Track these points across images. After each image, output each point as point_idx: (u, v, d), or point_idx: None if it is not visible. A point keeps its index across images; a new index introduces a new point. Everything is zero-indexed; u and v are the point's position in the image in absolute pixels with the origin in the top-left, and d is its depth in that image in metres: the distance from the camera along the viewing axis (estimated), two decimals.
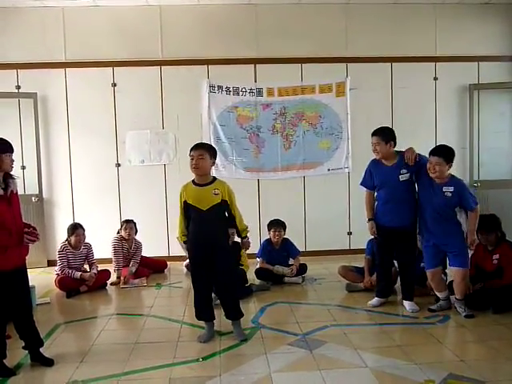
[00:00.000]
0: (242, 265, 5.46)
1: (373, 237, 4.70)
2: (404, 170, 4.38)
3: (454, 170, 6.77)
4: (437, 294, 4.52)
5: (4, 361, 3.45)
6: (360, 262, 5.42)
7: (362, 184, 4.70)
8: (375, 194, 4.62)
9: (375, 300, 4.64)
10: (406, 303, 4.53)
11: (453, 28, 6.92)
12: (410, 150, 4.40)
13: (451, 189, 4.21)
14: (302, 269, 5.65)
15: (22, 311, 3.55)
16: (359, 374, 3.24)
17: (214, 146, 4.33)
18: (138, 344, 3.81)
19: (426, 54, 6.87)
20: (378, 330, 4.07)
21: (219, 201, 3.79)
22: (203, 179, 3.84)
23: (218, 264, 3.82)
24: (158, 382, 3.18)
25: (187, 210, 3.87)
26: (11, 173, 3.45)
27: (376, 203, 4.59)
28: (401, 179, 4.37)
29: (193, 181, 3.89)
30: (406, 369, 3.26)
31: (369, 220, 4.63)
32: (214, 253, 3.80)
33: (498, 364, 3.35)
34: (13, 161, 3.42)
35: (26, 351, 3.62)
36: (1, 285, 3.34)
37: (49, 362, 3.53)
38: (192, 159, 3.78)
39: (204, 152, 3.78)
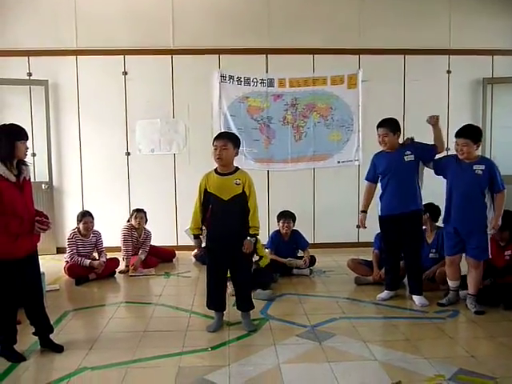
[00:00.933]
0: (262, 256, 5.36)
1: (379, 231, 4.73)
2: (408, 152, 4.39)
3: None
4: (448, 282, 4.46)
5: (14, 346, 3.47)
6: (368, 255, 5.40)
7: (366, 178, 4.72)
8: (378, 185, 4.62)
9: (385, 293, 4.62)
10: (416, 298, 4.47)
11: (467, 21, 6.85)
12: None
13: (482, 167, 4.12)
14: (311, 261, 5.64)
15: (34, 298, 3.56)
16: (368, 366, 3.23)
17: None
18: (147, 332, 3.82)
19: (439, 47, 6.80)
20: (387, 324, 4.05)
21: (240, 191, 3.76)
22: (226, 169, 3.81)
23: (238, 256, 3.80)
24: (167, 371, 3.18)
25: (207, 199, 3.83)
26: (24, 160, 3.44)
27: (380, 194, 4.58)
28: (406, 160, 4.37)
29: (215, 170, 3.86)
30: (416, 363, 3.25)
31: (361, 211, 4.68)
32: (234, 244, 3.78)
33: (509, 360, 3.32)
34: (27, 148, 3.40)
35: (36, 337, 3.63)
36: (13, 272, 3.35)
37: (58, 348, 3.54)
38: (215, 149, 3.74)
39: (227, 142, 3.74)
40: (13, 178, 3.28)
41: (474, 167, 4.14)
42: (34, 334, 3.63)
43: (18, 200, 3.30)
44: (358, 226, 6.88)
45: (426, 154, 4.42)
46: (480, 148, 6.76)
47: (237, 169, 3.87)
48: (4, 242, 3.26)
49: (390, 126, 4.43)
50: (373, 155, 4.70)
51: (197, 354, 3.43)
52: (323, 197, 6.96)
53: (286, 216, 5.66)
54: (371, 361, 3.30)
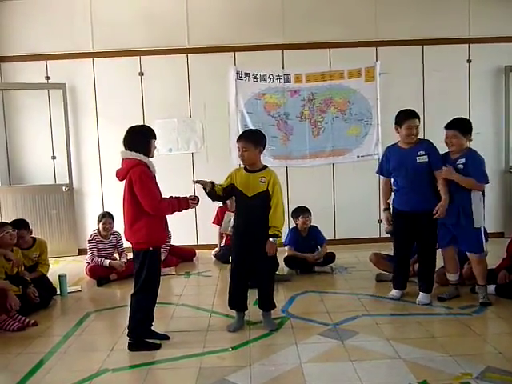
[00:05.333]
0: None
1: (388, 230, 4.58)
2: (422, 152, 4.23)
3: (488, 155, 6.65)
4: (447, 275, 4.42)
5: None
6: (390, 250, 5.28)
7: (377, 172, 4.64)
8: (392, 181, 4.51)
9: (395, 292, 4.49)
10: (421, 294, 4.33)
11: (486, 8, 6.65)
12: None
13: (463, 161, 4.11)
14: (330, 257, 5.57)
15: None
16: (392, 365, 3.16)
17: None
18: (168, 333, 3.79)
19: (458, 36, 6.63)
20: (410, 321, 3.96)
21: (264, 189, 3.74)
22: (253, 166, 3.83)
23: (259, 255, 3.76)
24: (188, 371, 3.16)
25: (233, 195, 3.89)
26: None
27: (393, 190, 4.48)
28: (418, 161, 4.22)
29: (245, 167, 3.88)
30: (442, 361, 3.17)
31: (384, 210, 4.56)
32: (256, 243, 3.75)
33: None
34: (155, 147, 3.69)
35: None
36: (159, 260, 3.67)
37: (165, 337, 3.69)
38: (238, 150, 3.82)
39: (247, 143, 3.75)
40: (156, 173, 3.59)
41: (457, 162, 4.13)
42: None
43: (158, 192, 3.56)
44: (379, 221, 6.81)
45: (434, 164, 4.23)
46: (504, 136, 6.70)
47: (265, 167, 3.87)
48: (159, 228, 3.57)
49: (419, 116, 4.33)
50: (385, 147, 4.61)
51: (218, 355, 3.41)
52: (343, 192, 6.87)
53: (305, 211, 5.60)
54: (395, 359, 3.23)
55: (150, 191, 3.43)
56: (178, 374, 3.16)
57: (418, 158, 4.23)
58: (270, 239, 3.74)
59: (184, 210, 3.67)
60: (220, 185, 3.88)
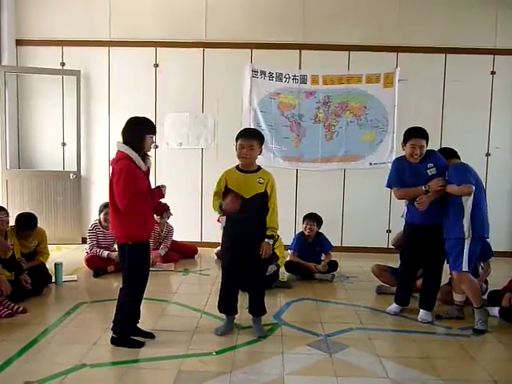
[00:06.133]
0: (278, 258, 5.22)
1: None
2: (431, 164, 4.07)
3: (506, 171, 6.44)
4: (453, 294, 4.23)
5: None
6: (396, 262, 5.12)
7: (388, 185, 4.38)
8: None
9: (394, 306, 4.33)
10: (422, 311, 4.15)
11: None
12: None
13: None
14: (333, 265, 5.43)
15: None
16: None
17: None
18: (154, 331, 3.69)
19: (484, 46, 6.41)
20: (405, 338, 3.80)
21: (262, 190, 3.63)
22: (249, 167, 3.70)
23: (254, 258, 3.65)
24: (166, 374, 3.06)
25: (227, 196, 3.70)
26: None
27: (406, 204, 4.30)
28: (429, 174, 4.05)
29: (237, 167, 3.73)
30: None
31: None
32: (251, 246, 3.63)
33: None
34: (153, 142, 3.57)
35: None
36: (145, 254, 3.55)
37: (150, 335, 3.61)
38: (241, 148, 3.62)
39: (254, 142, 3.64)
40: (144, 167, 3.46)
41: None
42: None
43: (147, 187, 3.51)
44: (388, 231, 6.64)
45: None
46: None
47: (259, 167, 3.74)
48: (138, 224, 3.44)
49: (426, 136, 4.13)
50: (394, 160, 4.48)
51: (200, 358, 3.31)
52: (353, 199, 6.71)
53: (311, 218, 5.48)
54: (382, 378, 3.09)
55: (122, 189, 3.34)
56: (155, 376, 3.08)
57: (428, 171, 4.07)
58: (266, 240, 3.63)
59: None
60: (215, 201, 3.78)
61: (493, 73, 6.51)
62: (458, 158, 4.24)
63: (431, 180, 4.02)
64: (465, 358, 3.44)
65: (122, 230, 3.47)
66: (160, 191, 3.58)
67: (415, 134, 4.11)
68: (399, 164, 4.28)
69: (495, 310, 4.16)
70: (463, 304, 4.21)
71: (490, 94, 6.54)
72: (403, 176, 4.21)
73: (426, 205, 3.96)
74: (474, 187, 3.86)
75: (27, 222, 4.86)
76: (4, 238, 4.47)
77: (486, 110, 6.54)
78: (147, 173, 3.55)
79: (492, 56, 6.46)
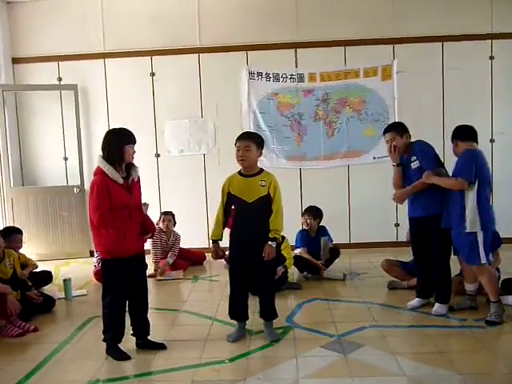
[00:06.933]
0: (286, 259, 5.17)
1: None
2: (414, 157, 4.10)
3: (510, 154, 6.36)
4: (465, 284, 4.19)
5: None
6: (407, 256, 5.07)
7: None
8: None
9: (415, 301, 4.29)
10: (436, 305, 4.10)
11: (510, 1, 6.34)
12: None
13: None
14: (334, 253, 5.42)
15: (140, 298, 3.60)
16: (395, 383, 2.97)
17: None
18: (166, 341, 3.66)
19: (480, 32, 6.33)
20: (420, 333, 3.75)
21: (265, 193, 3.59)
22: (250, 170, 3.66)
23: (260, 262, 3.60)
24: None
25: (230, 202, 3.69)
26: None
27: None
28: (412, 167, 4.10)
29: (239, 172, 3.71)
30: (449, 379, 2.97)
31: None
32: (257, 250, 3.59)
33: None
34: (134, 152, 3.47)
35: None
36: (121, 270, 3.43)
37: (160, 346, 3.58)
38: (238, 150, 3.61)
39: (250, 143, 3.59)
40: (120, 180, 3.35)
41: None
42: (132, 335, 3.64)
43: (125, 201, 3.38)
44: (396, 225, 6.59)
45: (424, 166, 4.05)
46: None
47: (261, 170, 3.70)
48: (114, 240, 3.36)
49: (396, 129, 4.19)
50: None
51: (213, 367, 3.27)
52: (358, 194, 6.66)
53: (308, 211, 5.52)
54: (399, 376, 3.04)
55: (93, 204, 3.31)
56: None
57: (412, 164, 4.12)
58: (269, 243, 3.59)
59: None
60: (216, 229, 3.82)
61: (491, 58, 6.43)
62: (475, 139, 4.01)
63: (414, 173, 4.08)
64: (481, 351, 3.38)
65: (97, 245, 3.48)
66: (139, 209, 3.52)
67: (384, 131, 4.30)
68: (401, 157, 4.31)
69: (510, 299, 4.10)
70: (475, 294, 4.16)
71: (490, 80, 6.47)
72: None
73: (400, 200, 4.22)
74: (466, 184, 3.77)
75: (11, 228, 5.08)
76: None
77: (488, 95, 6.47)
78: (132, 185, 3.46)
79: (490, 41, 6.39)
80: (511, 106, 6.51)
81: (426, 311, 4.14)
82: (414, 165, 4.08)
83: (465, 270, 4.19)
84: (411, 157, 4.11)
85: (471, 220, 3.76)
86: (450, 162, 4.09)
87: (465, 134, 4.01)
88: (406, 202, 4.37)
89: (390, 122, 6.30)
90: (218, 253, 3.83)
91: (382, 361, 3.26)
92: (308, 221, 5.45)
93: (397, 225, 6.59)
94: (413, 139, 4.32)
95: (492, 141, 6.49)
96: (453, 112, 6.35)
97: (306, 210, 5.60)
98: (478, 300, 4.18)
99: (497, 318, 3.80)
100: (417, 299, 4.29)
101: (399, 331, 3.82)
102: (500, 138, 6.50)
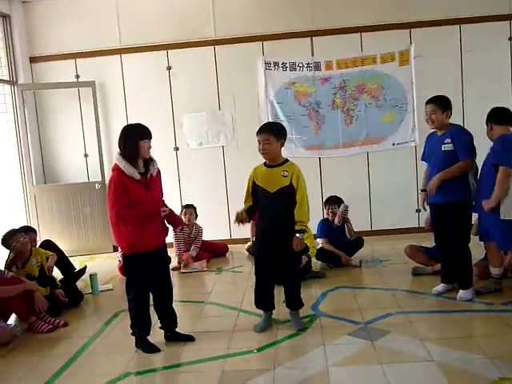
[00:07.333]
0: (308, 248, 5.16)
1: None
2: (448, 140, 3.99)
3: None
4: (490, 268, 4.17)
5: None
6: (429, 241, 5.04)
7: (421, 159, 4.41)
8: None
9: (440, 286, 4.28)
10: (460, 291, 4.08)
11: None
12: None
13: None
14: (359, 243, 5.46)
15: (164, 291, 3.64)
16: (424, 368, 2.98)
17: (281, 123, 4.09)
18: (194, 333, 3.71)
19: (498, 13, 6.22)
20: (447, 319, 3.74)
21: (288, 183, 3.59)
22: (274, 161, 3.67)
23: (284, 252, 3.63)
24: (210, 375, 3.07)
25: (255, 192, 3.71)
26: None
27: None
28: (443, 149, 4.00)
29: (264, 163, 3.73)
30: (478, 363, 2.96)
31: (421, 191, 4.40)
32: (280, 240, 3.62)
33: None
34: (150, 147, 3.47)
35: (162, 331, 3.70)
36: (143, 264, 3.47)
37: (189, 338, 3.63)
38: (259, 144, 3.63)
39: (269, 136, 3.59)
40: (137, 176, 3.37)
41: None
42: (160, 328, 3.69)
43: (143, 197, 3.40)
44: (417, 211, 6.54)
45: (459, 153, 3.98)
46: None
47: (286, 160, 3.71)
48: (132, 235, 3.39)
49: (439, 103, 4.04)
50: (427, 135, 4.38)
51: (242, 357, 3.31)
52: (379, 181, 6.62)
53: (332, 201, 5.48)
54: (428, 362, 3.04)
55: (111, 201, 3.35)
56: (199, 378, 3.08)
57: (443, 146, 4.02)
58: (297, 235, 3.60)
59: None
60: (245, 202, 3.78)
61: (510, 39, 6.32)
62: (510, 122, 3.98)
63: (445, 155, 3.99)
64: (509, 334, 3.37)
65: (118, 241, 3.53)
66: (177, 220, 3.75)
67: (427, 101, 4.14)
68: (428, 137, 4.31)
69: None
70: (501, 277, 4.15)
71: (509, 61, 6.36)
72: (427, 147, 4.27)
73: (432, 189, 4.02)
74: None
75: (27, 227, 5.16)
76: (27, 259, 4.56)
77: (508, 76, 6.37)
78: (151, 180, 3.47)
79: (508, 22, 6.28)
80: None
81: (452, 296, 4.12)
82: (446, 147, 3.99)
83: (490, 254, 4.16)
84: (445, 138, 4.01)
85: (506, 207, 3.74)
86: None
87: (500, 117, 3.94)
88: None
89: (410, 107, 6.39)
90: (241, 215, 3.70)
91: (410, 347, 3.26)
92: (334, 210, 5.42)
93: (418, 210, 6.54)
94: None
95: None
96: (472, 94, 6.28)
97: (327, 200, 5.57)
98: (503, 283, 4.16)
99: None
100: (442, 284, 4.28)
101: (425, 317, 3.82)
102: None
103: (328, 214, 5.48)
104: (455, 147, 3.94)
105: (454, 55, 6.36)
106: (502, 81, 6.35)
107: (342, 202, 5.49)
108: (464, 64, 6.36)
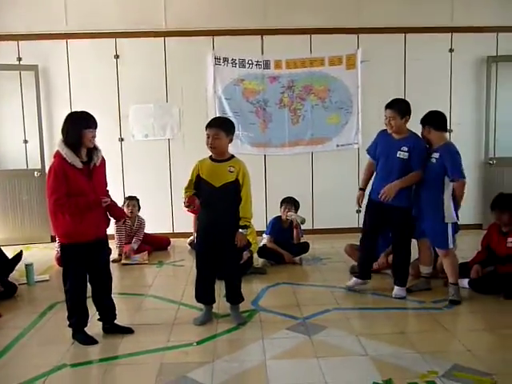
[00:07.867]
0: (251, 244, 5.21)
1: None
2: (405, 148, 4.09)
3: (468, 146, 6.56)
4: (420, 267, 4.42)
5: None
6: None
7: (367, 152, 4.49)
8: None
9: (352, 281, 4.45)
10: (395, 288, 4.25)
11: None
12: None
13: (437, 155, 4.02)
14: (304, 247, 5.50)
15: (102, 283, 3.58)
16: (358, 362, 3.09)
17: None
18: (132, 326, 3.67)
19: (441, 25, 6.49)
20: (382, 315, 3.89)
21: (233, 179, 3.62)
22: (220, 156, 3.68)
23: (226, 247, 3.66)
24: (149, 368, 3.05)
25: (199, 186, 3.69)
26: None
27: (374, 176, 4.38)
28: (398, 155, 4.10)
29: (210, 156, 3.72)
30: (409, 358, 3.11)
31: (359, 189, 4.52)
32: (223, 235, 3.64)
33: (508, 355, 3.17)
34: (94, 136, 3.38)
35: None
36: (81, 254, 3.41)
37: (128, 330, 3.60)
38: (208, 138, 3.62)
39: (219, 131, 3.60)
40: (79, 165, 3.29)
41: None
42: (99, 319, 3.64)
43: (84, 187, 3.33)
44: (358, 211, 6.71)
45: (413, 164, 4.12)
46: (484, 128, 6.62)
47: (232, 156, 3.73)
48: (70, 224, 3.32)
49: (399, 108, 4.12)
50: (379, 130, 4.42)
51: (181, 350, 3.31)
52: (322, 181, 6.77)
53: (288, 202, 5.51)
54: (362, 356, 3.16)
55: (49, 188, 3.30)
56: (137, 371, 3.06)
57: (399, 152, 4.11)
58: (240, 230, 3.64)
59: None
60: (186, 191, 3.75)
61: (451, 50, 6.62)
62: (446, 129, 4.19)
63: (398, 162, 4.09)
64: (439, 331, 3.55)
65: (56, 230, 3.50)
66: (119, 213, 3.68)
67: (387, 106, 4.19)
68: (381, 135, 4.35)
69: (465, 282, 4.30)
70: (430, 276, 4.37)
71: (449, 71, 6.66)
72: (379, 145, 4.31)
73: (388, 194, 4.09)
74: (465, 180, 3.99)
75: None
76: None
77: (447, 87, 6.66)
78: (93, 170, 3.40)
79: (450, 34, 6.57)
80: (468, 98, 6.74)
81: (386, 294, 4.29)
82: (402, 155, 4.07)
83: (422, 253, 4.37)
84: (402, 145, 4.08)
85: (448, 212, 3.96)
86: None
87: (438, 123, 4.10)
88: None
89: (355, 109, 6.56)
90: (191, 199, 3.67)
91: (346, 342, 3.37)
92: (289, 211, 5.42)
93: (358, 211, 6.72)
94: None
95: (450, 131, 6.67)
96: (413, 101, 6.25)
97: (285, 200, 5.54)
98: (434, 283, 4.39)
99: (458, 298, 4.03)
100: (354, 279, 4.44)
101: (361, 313, 3.97)
102: (457, 128, 6.70)
103: (283, 214, 5.49)
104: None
105: (398, 62, 6.58)
106: (442, 89, 6.63)
107: (299, 204, 5.54)
108: (407, 71, 6.60)
